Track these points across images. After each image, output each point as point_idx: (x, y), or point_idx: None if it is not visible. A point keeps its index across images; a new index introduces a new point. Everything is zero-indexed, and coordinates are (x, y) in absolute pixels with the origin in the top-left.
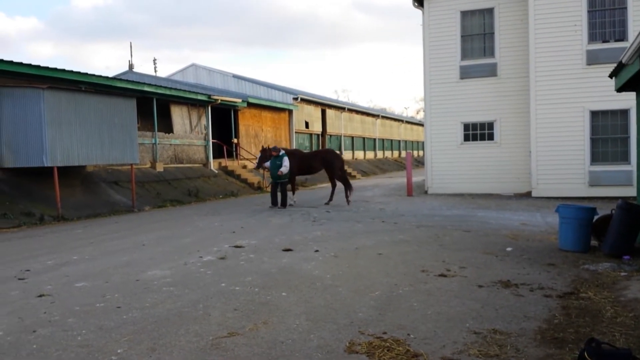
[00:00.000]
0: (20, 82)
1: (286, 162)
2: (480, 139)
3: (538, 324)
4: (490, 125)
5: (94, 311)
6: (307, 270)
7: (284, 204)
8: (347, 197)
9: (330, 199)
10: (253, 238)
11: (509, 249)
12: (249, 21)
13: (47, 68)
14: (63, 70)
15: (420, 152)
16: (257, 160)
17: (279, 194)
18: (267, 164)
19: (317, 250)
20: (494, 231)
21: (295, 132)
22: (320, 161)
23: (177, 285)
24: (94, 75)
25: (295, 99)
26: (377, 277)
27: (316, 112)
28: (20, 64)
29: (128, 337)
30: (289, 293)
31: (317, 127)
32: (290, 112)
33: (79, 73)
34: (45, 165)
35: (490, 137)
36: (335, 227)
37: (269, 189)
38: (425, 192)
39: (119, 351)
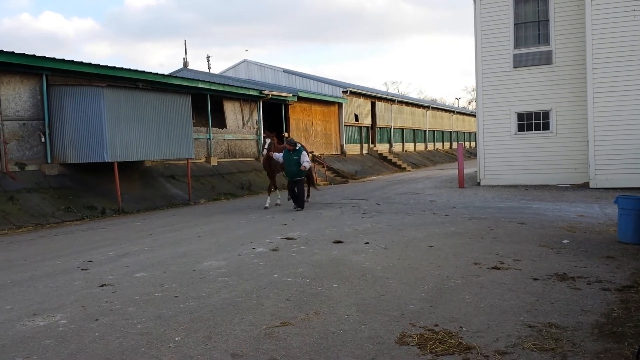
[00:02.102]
0: (81, 81)
1: (306, 156)
2: (535, 129)
3: (595, 317)
4: (546, 115)
5: (153, 300)
6: (358, 262)
7: (301, 204)
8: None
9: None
10: (304, 230)
11: (565, 241)
12: (297, 17)
13: (106, 67)
14: (121, 69)
15: (472, 144)
16: (265, 147)
17: (274, 198)
18: (278, 156)
19: (367, 243)
20: (549, 223)
21: (345, 125)
22: None
23: (231, 276)
24: (150, 73)
25: (345, 92)
26: (428, 269)
27: (365, 104)
28: (81, 63)
29: (185, 326)
30: (339, 284)
31: (366, 120)
32: (339, 105)
33: (136, 71)
34: (106, 160)
35: (546, 126)
36: (385, 219)
37: (321, 182)
38: (478, 184)
39: (176, 339)
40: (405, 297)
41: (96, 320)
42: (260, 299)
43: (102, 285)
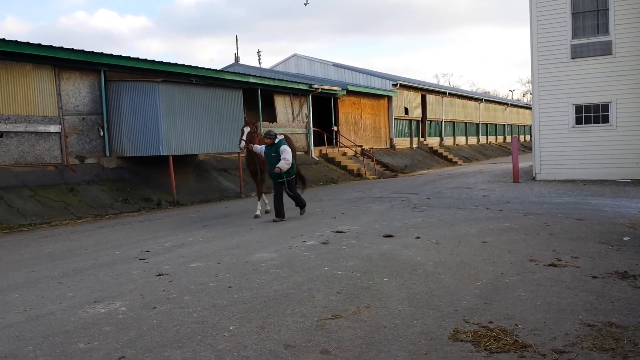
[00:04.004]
0: (136, 77)
1: (286, 152)
2: (594, 122)
3: None
4: (605, 107)
5: (208, 290)
6: (409, 256)
7: (300, 204)
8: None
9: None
10: (354, 224)
11: (625, 238)
12: (346, 9)
13: (160, 62)
14: (175, 64)
15: (527, 137)
16: (242, 137)
17: (262, 205)
18: (261, 149)
19: (418, 237)
20: (609, 219)
21: (395, 119)
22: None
23: (282, 268)
24: (203, 68)
25: (395, 85)
26: (482, 265)
27: (416, 97)
28: (137, 59)
29: (239, 315)
30: (390, 279)
31: (416, 113)
32: (389, 98)
33: (189, 66)
34: (162, 154)
35: (605, 119)
36: (436, 214)
37: (370, 176)
38: (533, 179)
39: (231, 328)
40: (458, 293)
41: (154, 308)
42: (311, 291)
43: (159, 275)
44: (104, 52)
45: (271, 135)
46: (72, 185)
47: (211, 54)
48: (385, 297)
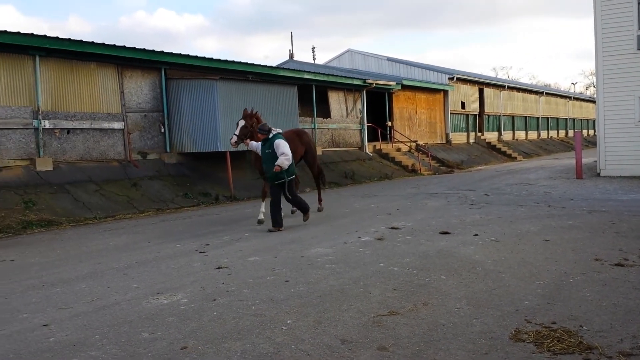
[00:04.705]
0: (195, 74)
1: (282, 147)
2: None
3: None
4: None
5: (265, 283)
6: (467, 254)
7: (303, 209)
8: (318, 197)
9: (320, 198)
10: (409, 220)
11: None
12: (400, 3)
13: (218, 60)
14: (232, 62)
15: (591, 131)
16: (235, 132)
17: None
18: (257, 146)
19: (476, 235)
20: None
21: (451, 113)
22: (302, 145)
23: (338, 263)
24: (259, 65)
25: (451, 78)
26: (544, 264)
27: (473, 91)
28: (196, 57)
29: (296, 309)
30: (448, 276)
31: (474, 107)
32: (445, 92)
33: (246, 64)
34: (219, 150)
35: None
36: (495, 210)
37: (425, 172)
38: (597, 175)
39: (288, 322)
40: (519, 293)
41: (214, 300)
42: (367, 287)
43: (219, 268)
44: (164, 51)
45: (264, 130)
46: (135, 180)
47: (265, 51)
48: (443, 294)
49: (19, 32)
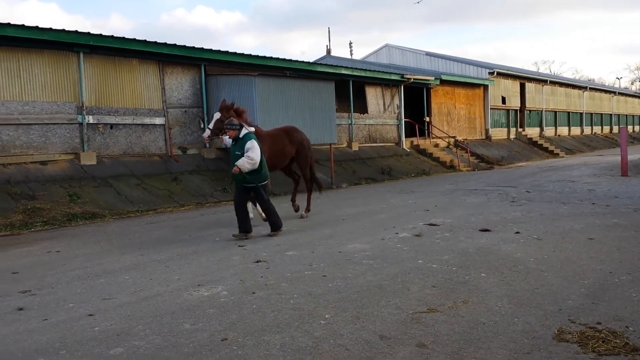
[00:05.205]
0: (234, 70)
1: (252, 150)
2: None
3: None
4: None
5: (303, 278)
6: (508, 252)
7: (274, 225)
8: (307, 201)
9: (308, 207)
10: (447, 217)
11: None
12: None
13: (257, 56)
14: (270, 58)
15: (637, 127)
16: (209, 126)
17: (254, 210)
18: (228, 140)
19: (517, 232)
20: None
21: (491, 108)
22: (292, 144)
23: (376, 259)
24: (297, 61)
25: (491, 73)
26: (588, 263)
27: (514, 86)
28: (235, 53)
29: (334, 304)
30: (488, 274)
31: (514, 103)
32: (485, 87)
33: (283, 60)
34: None
35: None
36: (536, 208)
37: (463, 168)
38: None
39: (326, 316)
40: (563, 292)
41: (253, 293)
42: (405, 283)
43: (257, 262)
44: (204, 47)
45: (233, 126)
46: (176, 174)
47: (302, 47)
48: (483, 292)
49: (64, 30)
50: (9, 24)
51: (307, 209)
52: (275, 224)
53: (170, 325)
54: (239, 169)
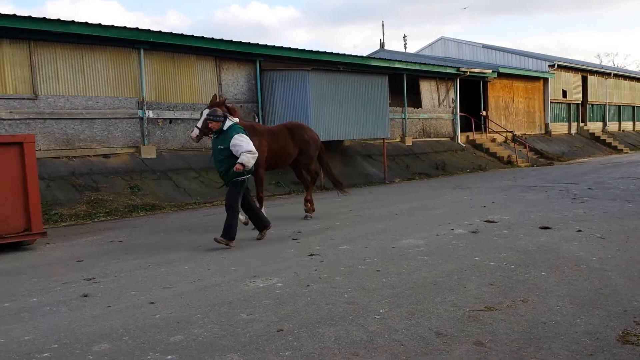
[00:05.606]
0: (287, 66)
1: (244, 144)
2: None
3: None
4: None
5: (357, 272)
6: (569, 250)
7: (226, 231)
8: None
9: (310, 210)
10: (505, 213)
11: None
12: None
13: (310, 51)
14: (324, 53)
15: None
16: (197, 125)
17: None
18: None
19: (579, 230)
20: None
21: (551, 102)
22: (295, 143)
23: (430, 255)
24: (350, 55)
25: (552, 66)
26: None
27: (575, 79)
28: (289, 48)
29: (388, 299)
30: (548, 273)
31: (576, 96)
32: (545, 80)
33: (337, 54)
34: None
35: None
36: (599, 205)
37: (522, 164)
38: None
39: (381, 311)
40: (628, 293)
41: (307, 286)
42: (461, 280)
43: (311, 255)
44: (259, 43)
45: (216, 117)
46: None
47: (355, 41)
48: (543, 292)
49: (125, 27)
50: (73, 22)
51: (307, 199)
52: (228, 230)
53: (228, 315)
54: (243, 166)
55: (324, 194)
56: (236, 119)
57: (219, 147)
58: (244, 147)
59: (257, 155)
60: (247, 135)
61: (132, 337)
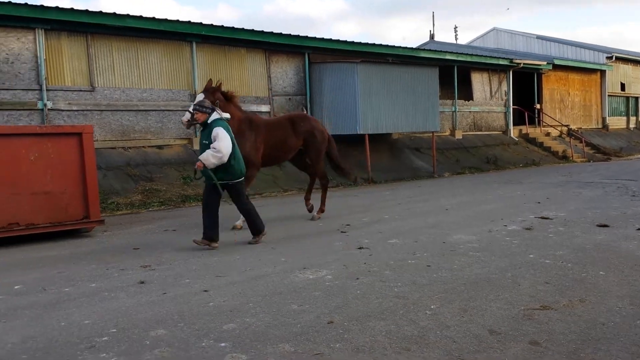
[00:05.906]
0: (336, 58)
1: (220, 140)
2: None
3: None
4: None
5: (407, 267)
6: (629, 249)
7: (254, 228)
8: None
9: (322, 206)
10: (561, 210)
11: None
12: None
13: (359, 43)
14: (372, 45)
15: None
16: (190, 107)
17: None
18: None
19: (639, 229)
20: None
21: (608, 95)
22: (297, 135)
23: (483, 251)
24: (399, 47)
25: (609, 57)
26: None
27: (635, 72)
28: (338, 41)
29: (439, 295)
30: (607, 272)
31: (635, 89)
32: (602, 73)
33: (386, 46)
34: (358, 133)
35: None
36: None
37: (577, 159)
38: None
39: (432, 307)
40: None
41: (357, 279)
42: (515, 278)
43: (360, 248)
44: (308, 36)
45: (203, 108)
46: None
47: (403, 33)
48: (601, 292)
49: (178, 20)
50: (128, 15)
51: (321, 209)
52: (256, 226)
53: (279, 305)
54: (203, 164)
55: (372, 187)
56: (227, 115)
57: (203, 141)
58: (218, 141)
59: (222, 156)
60: (228, 132)
61: (187, 324)
